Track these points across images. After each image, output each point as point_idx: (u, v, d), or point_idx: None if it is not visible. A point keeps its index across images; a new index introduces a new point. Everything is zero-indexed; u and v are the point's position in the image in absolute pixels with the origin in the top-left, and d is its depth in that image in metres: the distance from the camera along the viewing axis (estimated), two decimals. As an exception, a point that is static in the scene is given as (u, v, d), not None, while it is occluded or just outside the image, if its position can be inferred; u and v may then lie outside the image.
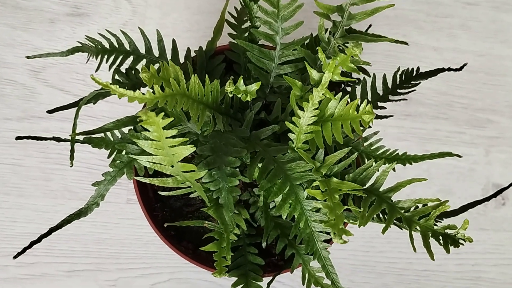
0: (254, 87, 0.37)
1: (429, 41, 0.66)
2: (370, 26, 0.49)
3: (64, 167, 0.61)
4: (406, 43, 0.47)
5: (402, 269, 0.63)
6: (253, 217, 0.43)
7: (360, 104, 0.33)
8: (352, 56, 0.44)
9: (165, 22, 0.64)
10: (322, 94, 0.34)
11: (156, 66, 0.42)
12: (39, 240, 0.38)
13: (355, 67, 0.33)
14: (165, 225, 0.39)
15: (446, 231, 0.32)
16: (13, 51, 0.62)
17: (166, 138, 0.31)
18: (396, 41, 0.47)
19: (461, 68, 0.47)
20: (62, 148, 0.61)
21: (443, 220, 0.44)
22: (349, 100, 0.38)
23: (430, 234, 0.32)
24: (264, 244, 0.38)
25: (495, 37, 0.67)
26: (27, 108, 0.61)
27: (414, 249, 0.33)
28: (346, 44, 0.39)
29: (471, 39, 0.66)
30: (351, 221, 0.39)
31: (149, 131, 0.31)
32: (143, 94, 0.32)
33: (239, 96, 0.36)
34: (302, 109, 0.36)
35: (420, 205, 0.37)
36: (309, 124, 0.36)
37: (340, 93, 0.36)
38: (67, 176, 0.61)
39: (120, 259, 0.60)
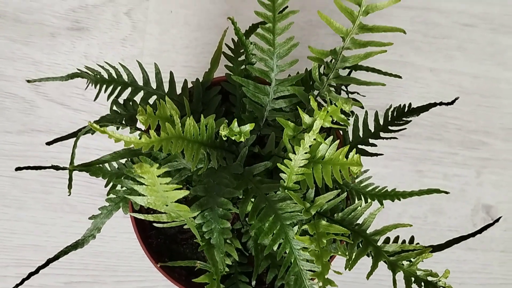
0: (248, 127, 0.38)
1: (426, 62, 0.67)
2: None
3: (63, 180, 0.62)
4: (399, 77, 0.48)
5: (391, 287, 0.64)
6: (245, 246, 0.44)
7: (349, 152, 0.34)
8: (346, 88, 0.44)
9: (164, 38, 0.64)
10: (313, 139, 0.35)
11: (153, 99, 0.43)
12: (37, 271, 0.39)
13: (345, 118, 0.34)
14: (158, 265, 0.40)
15: (428, 278, 0.33)
16: (13, 65, 0.62)
17: (160, 184, 0.33)
18: (390, 75, 0.48)
19: (452, 102, 0.48)
20: (62, 162, 0.62)
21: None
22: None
23: (413, 280, 0.34)
24: (253, 283, 0.40)
25: (491, 60, 0.67)
26: (27, 121, 0.62)
27: (397, 295, 0.34)
28: (339, 85, 0.39)
29: (468, 60, 0.67)
30: (339, 253, 0.40)
31: (144, 178, 0.32)
32: (140, 138, 0.33)
33: (233, 138, 0.37)
34: (293, 151, 0.37)
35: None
36: (300, 166, 0.37)
37: (331, 137, 0.37)
38: (66, 190, 0.62)
39: (117, 271, 0.62)
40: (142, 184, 0.33)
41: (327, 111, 0.34)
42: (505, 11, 0.68)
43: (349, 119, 0.46)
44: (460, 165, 0.66)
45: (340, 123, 0.35)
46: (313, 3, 0.66)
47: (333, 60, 0.39)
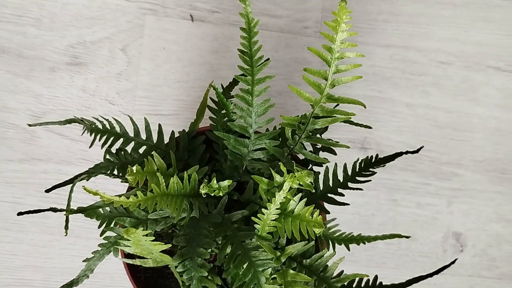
0: (226, 183, 0.43)
1: (403, 97, 0.71)
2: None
3: (61, 206, 0.67)
4: (369, 127, 0.53)
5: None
6: (225, 281, 0.49)
7: (314, 209, 0.39)
8: (320, 135, 0.49)
9: (157, 73, 0.68)
10: (284, 197, 0.40)
11: (142, 149, 0.47)
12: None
13: (310, 184, 0.38)
14: (144, 308, 0.45)
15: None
16: (16, 97, 0.67)
17: (146, 241, 0.37)
18: (361, 125, 0.52)
19: (418, 151, 0.53)
20: (60, 189, 0.67)
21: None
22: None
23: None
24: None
25: (465, 95, 0.72)
26: (28, 150, 0.67)
27: None
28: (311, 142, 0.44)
29: (443, 96, 0.72)
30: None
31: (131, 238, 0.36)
32: (127, 198, 0.38)
33: (212, 194, 0.42)
34: (266, 208, 0.41)
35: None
36: (272, 220, 0.41)
37: (300, 194, 0.41)
38: (63, 215, 0.66)
39: (110, 291, 0.67)
40: (129, 240, 0.37)
41: (295, 176, 0.38)
42: (478, 49, 0.72)
43: (322, 166, 0.51)
44: (433, 195, 0.71)
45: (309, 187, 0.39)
46: (297, 42, 0.71)
47: (304, 123, 0.43)
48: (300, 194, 0.41)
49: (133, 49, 0.68)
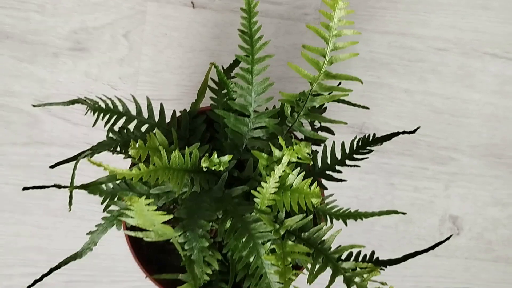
0: (227, 158, 0.44)
1: (401, 83, 0.72)
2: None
3: (63, 188, 0.68)
4: (367, 108, 0.54)
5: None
6: (225, 257, 0.50)
7: (312, 184, 0.40)
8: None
9: (159, 58, 0.70)
10: (283, 170, 0.41)
11: (144, 127, 0.49)
12: (41, 278, 0.45)
13: (308, 156, 0.39)
14: (145, 277, 0.47)
15: (376, 292, 0.39)
16: (19, 82, 0.68)
17: (148, 210, 0.38)
18: (359, 106, 0.53)
19: (414, 131, 0.54)
20: (63, 172, 0.68)
21: (387, 267, 0.51)
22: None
23: (364, 294, 0.40)
24: (230, 288, 0.46)
25: (461, 82, 0.73)
26: (32, 134, 0.68)
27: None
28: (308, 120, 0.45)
29: (440, 82, 0.73)
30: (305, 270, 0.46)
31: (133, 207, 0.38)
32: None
33: (213, 168, 0.43)
34: (266, 181, 0.42)
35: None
36: (271, 193, 0.43)
37: (298, 169, 0.43)
38: (67, 197, 0.67)
39: (112, 272, 0.68)
40: (132, 210, 0.38)
41: (293, 149, 0.40)
42: (475, 36, 0.73)
43: (320, 145, 0.52)
44: (430, 179, 0.72)
45: (306, 161, 0.40)
46: (297, 28, 0.72)
47: (302, 100, 0.44)
48: (298, 169, 0.42)
49: (135, 35, 0.69)
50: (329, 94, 0.42)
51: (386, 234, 0.71)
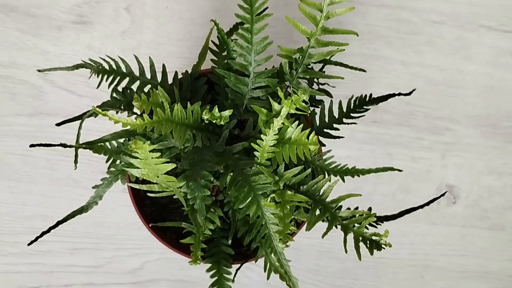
0: (227, 113, 0.45)
1: (398, 55, 0.74)
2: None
3: (68, 158, 0.70)
4: (364, 71, 0.55)
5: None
6: (227, 215, 0.52)
7: (309, 134, 0.42)
8: (319, 82, 0.51)
9: (160, 32, 0.71)
10: (281, 123, 0.43)
11: (147, 88, 0.50)
12: (48, 230, 0.47)
13: (306, 106, 0.41)
14: (150, 225, 0.48)
15: (372, 237, 0.41)
16: (24, 54, 0.69)
17: (152, 158, 0.40)
18: (356, 68, 0.55)
19: (410, 93, 0.55)
20: (67, 142, 0.69)
21: (383, 223, 0.53)
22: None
23: (360, 239, 0.41)
24: (230, 240, 0.47)
25: (457, 54, 0.74)
26: (36, 105, 0.69)
27: (346, 251, 0.42)
28: (306, 77, 0.47)
29: (436, 54, 0.74)
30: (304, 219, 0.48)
31: (138, 153, 0.39)
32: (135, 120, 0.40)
33: (214, 121, 0.44)
34: (265, 134, 0.44)
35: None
36: (270, 146, 0.44)
37: (297, 122, 0.44)
38: (71, 167, 0.69)
39: (116, 239, 0.69)
40: (136, 158, 0.40)
41: (292, 100, 0.41)
42: (470, 9, 0.74)
43: (318, 107, 0.53)
44: (426, 149, 0.73)
45: (303, 112, 0.42)
46: (296, 1, 0.73)
47: (301, 57, 0.45)
48: (297, 121, 0.44)
49: (137, 8, 0.71)
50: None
51: (384, 202, 0.73)
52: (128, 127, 0.46)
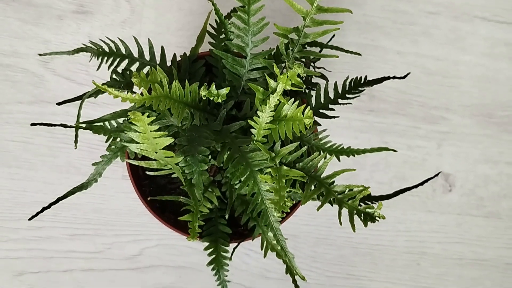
0: (225, 91, 0.46)
1: (394, 45, 0.75)
2: (333, 36, 0.58)
3: (69, 145, 0.70)
4: (359, 54, 0.56)
5: (359, 243, 0.73)
6: (224, 195, 0.53)
7: (305, 110, 0.43)
8: (313, 64, 0.52)
9: (160, 21, 0.72)
10: (277, 99, 0.44)
11: (146, 69, 0.51)
12: (49, 206, 0.47)
13: (301, 81, 0.42)
14: (148, 199, 0.49)
15: (366, 210, 0.42)
16: (25, 43, 0.70)
17: (150, 131, 0.41)
18: (351, 52, 0.56)
19: (404, 77, 0.56)
20: (67, 130, 0.70)
21: (378, 202, 0.54)
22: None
23: (354, 212, 0.42)
24: (226, 216, 0.48)
25: (452, 44, 0.75)
26: (37, 93, 0.70)
27: (340, 223, 0.42)
28: (303, 58, 0.47)
29: (432, 45, 0.75)
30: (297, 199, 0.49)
31: (137, 125, 0.40)
32: (134, 95, 0.41)
33: (212, 98, 0.45)
34: (262, 110, 0.45)
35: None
36: (267, 123, 0.45)
37: (292, 99, 0.45)
38: (71, 154, 0.70)
39: (115, 226, 0.70)
40: (135, 131, 0.41)
41: (287, 76, 0.42)
42: (466, 0, 0.75)
43: (314, 89, 0.54)
44: (422, 138, 0.74)
45: (299, 89, 0.42)
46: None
47: (297, 37, 0.46)
48: (292, 99, 0.45)
49: (137, -2, 0.72)
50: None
51: (380, 190, 0.73)
52: (127, 105, 0.47)
